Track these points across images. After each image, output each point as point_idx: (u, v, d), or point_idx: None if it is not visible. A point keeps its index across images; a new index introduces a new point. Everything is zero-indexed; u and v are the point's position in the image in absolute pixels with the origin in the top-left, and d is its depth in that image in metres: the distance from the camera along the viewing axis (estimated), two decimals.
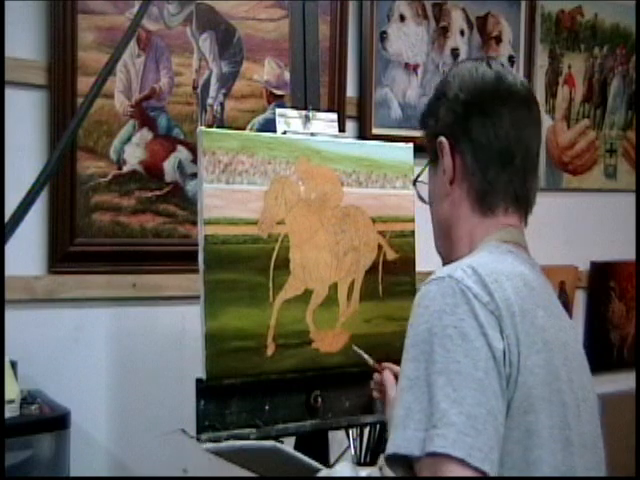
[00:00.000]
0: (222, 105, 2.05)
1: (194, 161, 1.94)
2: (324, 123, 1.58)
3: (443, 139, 1.13)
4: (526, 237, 1.15)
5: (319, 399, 1.47)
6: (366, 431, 1.67)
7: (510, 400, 0.94)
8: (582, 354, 1.12)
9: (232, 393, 1.38)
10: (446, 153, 1.13)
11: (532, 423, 0.95)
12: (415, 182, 1.28)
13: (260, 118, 2.10)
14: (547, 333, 1.01)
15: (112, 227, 1.92)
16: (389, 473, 0.98)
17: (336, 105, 2.18)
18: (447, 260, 1.14)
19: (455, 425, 0.88)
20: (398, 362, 1.03)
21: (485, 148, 1.10)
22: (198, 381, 1.36)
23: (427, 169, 1.22)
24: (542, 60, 2.68)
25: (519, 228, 1.14)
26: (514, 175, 1.10)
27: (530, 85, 1.18)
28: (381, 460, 1.46)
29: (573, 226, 2.75)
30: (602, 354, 2.82)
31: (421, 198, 1.26)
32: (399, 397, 0.95)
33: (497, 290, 0.97)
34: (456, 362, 0.91)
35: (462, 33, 2.47)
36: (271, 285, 1.42)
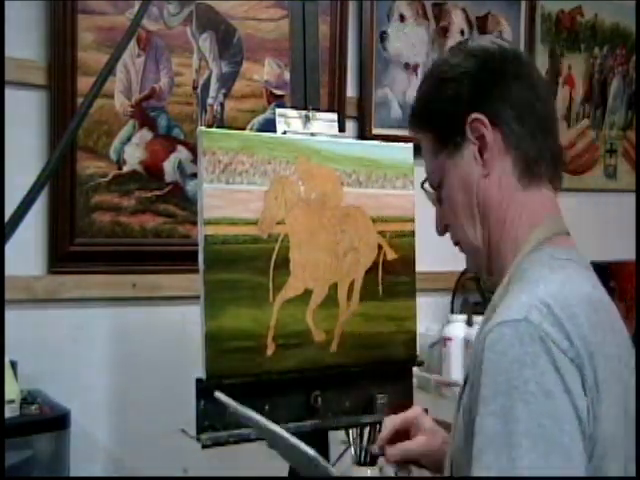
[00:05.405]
0: (222, 105, 2.05)
1: (194, 161, 1.93)
2: (324, 123, 1.58)
3: (478, 115, 1.01)
4: None
5: (319, 399, 1.47)
6: (366, 431, 1.67)
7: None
8: (632, 364, 1.02)
9: (232, 393, 1.38)
10: (487, 128, 1.01)
11: (600, 468, 0.89)
12: (423, 185, 1.12)
13: (260, 118, 2.10)
14: (615, 360, 0.94)
15: (112, 227, 1.92)
16: (389, 473, 0.97)
17: (336, 105, 2.19)
18: (485, 258, 1.05)
19: None
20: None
21: (529, 112, 1.01)
22: (198, 381, 1.36)
23: (426, 168, 1.11)
24: (542, 60, 2.68)
25: (559, 211, 1.11)
26: (554, 139, 1.05)
27: None
28: (381, 461, 1.46)
29: (573, 226, 2.74)
30: None
31: (439, 200, 1.09)
32: (479, 456, 0.85)
33: (573, 330, 0.89)
34: (541, 425, 0.83)
35: (462, 33, 2.47)
36: (271, 285, 1.42)
